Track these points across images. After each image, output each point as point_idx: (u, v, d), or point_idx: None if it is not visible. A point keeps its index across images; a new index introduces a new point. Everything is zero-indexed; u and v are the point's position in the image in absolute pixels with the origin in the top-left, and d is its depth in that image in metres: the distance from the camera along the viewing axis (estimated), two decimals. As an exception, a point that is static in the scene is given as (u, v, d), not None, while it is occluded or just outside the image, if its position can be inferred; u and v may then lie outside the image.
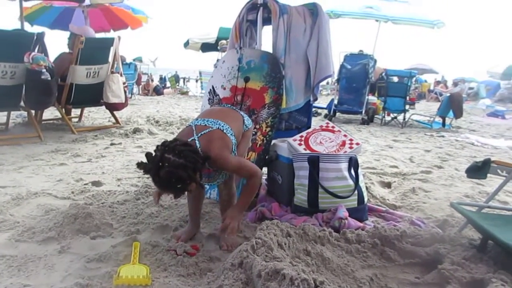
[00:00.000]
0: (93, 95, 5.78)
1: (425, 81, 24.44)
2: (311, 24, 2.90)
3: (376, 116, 8.75)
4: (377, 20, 8.83)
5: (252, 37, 3.17)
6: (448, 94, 8.83)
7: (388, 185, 3.57)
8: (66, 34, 5.89)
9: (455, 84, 19.77)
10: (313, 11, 2.93)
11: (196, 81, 16.54)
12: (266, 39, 3.04)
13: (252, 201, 2.79)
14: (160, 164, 1.74)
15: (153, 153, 1.81)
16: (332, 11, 8.64)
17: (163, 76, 20.60)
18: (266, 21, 3.03)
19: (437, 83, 23.67)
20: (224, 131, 2.05)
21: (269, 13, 2.94)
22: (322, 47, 2.88)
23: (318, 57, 2.88)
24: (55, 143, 4.76)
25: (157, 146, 1.82)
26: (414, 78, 13.62)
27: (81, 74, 5.48)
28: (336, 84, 9.32)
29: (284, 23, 2.87)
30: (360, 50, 8.88)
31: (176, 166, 1.73)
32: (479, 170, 2.49)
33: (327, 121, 2.82)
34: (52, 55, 5.44)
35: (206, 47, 14.86)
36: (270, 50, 2.95)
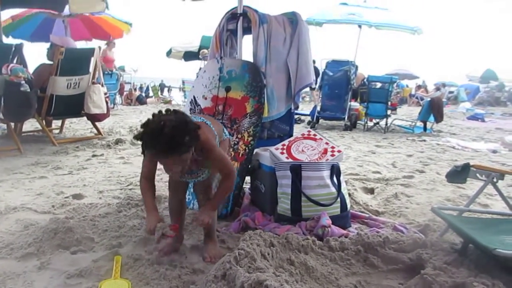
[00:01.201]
0: (74, 106, 5.71)
1: (407, 86, 24.77)
2: (291, 33, 2.92)
3: (358, 122, 8.83)
4: (359, 26, 8.95)
5: (232, 46, 3.18)
6: (429, 99, 8.96)
7: (371, 191, 3.60)
8: (46, 45, 5.82)
9: (437, 88, 20.09)
10: (293, 20, 2.96)
11: (180, 89, 16.50)
12: (246, 48, 3.05)
13: (235, 210, 2.80)
14: (162, 123, 1.69)
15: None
16: (314, 19, 8.72)
17: (144, 85, 20.40)
18: (246, 30, 3.04)
19: (418, 87, 24.02)
20: (209, 125, 2.10)
21: (249, 22, 2.95)
22: (302, 55, 2.90)
23: (299, 66, 2.90)
24: (35, 156, 4.68)
25: (153, 114, 1.78)
26: (395, 84, 13.78)
27: (61, 85, 5.41)
28: (318, 91, 9.38)
29: (264, 32, 2.89)
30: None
31: (179, 120, 1.73)
32: (458, 174, 2.53)
33: (309, 129, 2.82)
34: (32, 66, 5.39)
35: (189, 55, 14.85)
36: (250, 59, 2.96)
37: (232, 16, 3.04)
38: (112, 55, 11.75)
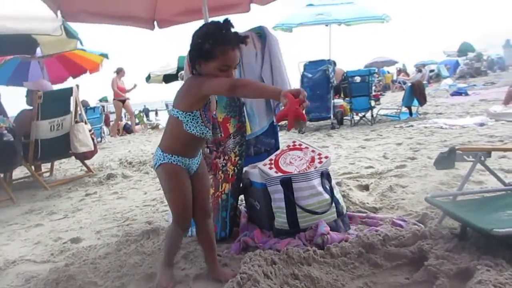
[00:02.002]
0: (60, 147, 5.69)
1: (388, 72, 25.00)
2: (261, 48, 2.94)
3: (345, 117, 8.87)
4: (326, 25, 9.05)
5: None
6: (410, 84, 9.05)
7: (366, 187, 3.62)
8: (23, 89, 5.80)
9: (419, 70, 20.30)
10: (261, 34, 2.98)
11: (168, 112, 16.46)
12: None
13: (234, 231, 2.80)
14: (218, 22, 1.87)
15: None
16: (283, 24, 8.79)
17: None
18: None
19: (399, 72, 24.26)
20: None
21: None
22: (275, 67, 2.92)
23: (274, 78, 2.91)
24: (29, 203, 4.65)
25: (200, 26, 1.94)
26: (376, 72, 13.89)
27: (44, 129, 5.39)
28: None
29: (235, 50, 2.90)
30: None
31: None
32: (446, 160, 2.57)
33: (293, 139, 2.83)
34: (13, 110, 5.37)
35: (168, 78, 14.89)
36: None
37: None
38: (122, 84, 11.91)
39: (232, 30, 1.86)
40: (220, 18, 1.90)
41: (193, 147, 2.02)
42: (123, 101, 12.05)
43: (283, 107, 1.55)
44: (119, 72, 11.93)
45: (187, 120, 1.90)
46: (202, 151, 2.17)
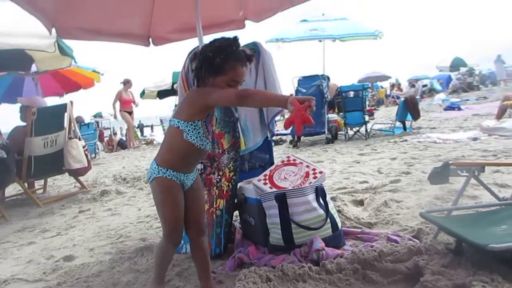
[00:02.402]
0: (54, 164, 5.65)
1: (381, 87, 25.20)
2: (255, 63, 2.95)
3: (339, 132, 8.90)
4: (320, 41, 9.13)
5: (200, 85, 3.19)
6: (403, 99, 9.12)
7: (360, 202, 3.61)
8: (17, 105, 5.79)
9: (412, 85, 20.48)
10: (255, 50, 2.99)
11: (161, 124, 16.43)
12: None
13: (229, 247, 2.78)
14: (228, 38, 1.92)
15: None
16: (277, 38, 8.87)
17: (120, 128, 20.35)
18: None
19: (392, 86, 24.46)
20: None
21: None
22: (269, 83, 2.93)
23: (268, 94, 2.92)
24: (21, 221, 4.59)
25: (212, 40, 1.98)
26: (369, 88, 14.01)
27: (38, 145, 5.36)
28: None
29: (229, 66, 2.92)
30: None
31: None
32: (440, 175, 2.57)
33: (287, 154, 2.83)
34: (7, 126, 5.35)
35: (163, 93, 14.90)
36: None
37: (195, 55, 3.06)
38: (129, 96, 11.78)
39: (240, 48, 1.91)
40: (215, 36, 1.94)
41: (190, 162, 2.00)
42: (130, 113, 11.82)
43: (289, 114, 1.63)
44: (126, 83, 11.71)
45: (188, 130, 1.90)
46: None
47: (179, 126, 1.92)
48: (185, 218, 2.04)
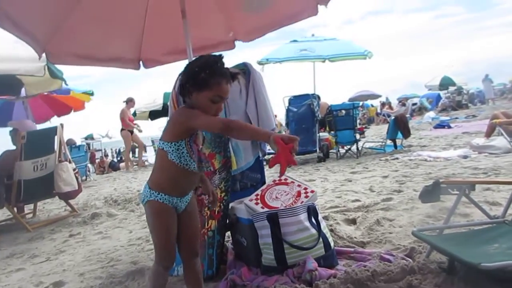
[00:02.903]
0: (44, 187, 5.58)
1: (371, 105, 25.44)
2: (245, 84, 2.98)
3: (331, 151, 8.93)
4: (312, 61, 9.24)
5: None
6: (393, 117, 9.20)
7: (353, 221, 3.60)
8: (6, 130, 5.77)
9: (402, 103, 20.72)
10: (245, 70, 3.02)
11: (153, 145, 16.40)
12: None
13: (221, 268, 2.75)
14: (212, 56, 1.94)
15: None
16: (267, 58, 8.96)
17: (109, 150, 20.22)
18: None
19: (383, 105, 24.72)
20: None
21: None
22: (260, 103, 2.95)
23: (259, 114, 2.94)
24: (10, 247, 4.51)
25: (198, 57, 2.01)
26: (360, 107, 14.13)
27: (28, 169, 5.30)
28: (286, 129, 9.48)
29: (219, 87, 2.93)
30: None
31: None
32: (431, 194, 2.58)
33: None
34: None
35: (154, 114, 14.90)
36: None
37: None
38: (130, 115, 11.69)
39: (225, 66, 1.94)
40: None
41: (180, 184, 1.97)
42: (132, 132, 11.53)
43: (274, 154, 1.65)
44: (129, 102, 11.51)
45: (172, 150, 1.89)
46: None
47: (163, 148, 1.92)
48: (178, 240, 2.02)
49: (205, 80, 1.86)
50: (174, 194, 1.95)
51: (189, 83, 1.90)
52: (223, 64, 1.92)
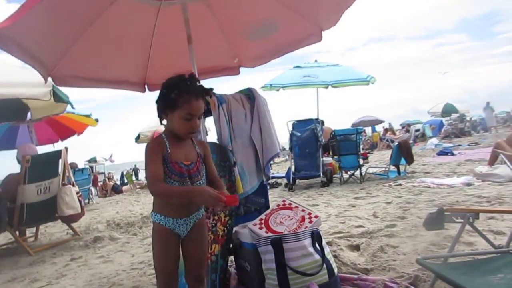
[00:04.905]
0: (46, 211, 5.57)
1: (375, 131, 25.50)
2: (250, 109, 3.02)
3: (334, 176, 8.92)
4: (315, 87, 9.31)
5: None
6: (397, 143, 9.21)
7: (357, 247, 3.57)
8: (12, 152, 5.80)
9: (406, 130, 20.77)
10: (250, 96, 3.06)
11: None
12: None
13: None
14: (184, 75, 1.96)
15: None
16: (271, 84, 9.04)
17: (111, 174, 20.22)
18: (206, 112, 3.11)
19: (386, 130, 24.77)
20: None
21: (208, 105, 3.03)
22: (264, 128, 2.98)
23: (263, 139, 2.97)
24: (11, 271, 4.47)
25: (169, 78, 2.00)
26: (363, 132, 14.17)
27: (31, 193, 5.30)
28: (290, 153, 9.50)
29: (224, 111, 2.97)
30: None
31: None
32: (435, 221, 2.56)
33: (283, 198, 2.83)
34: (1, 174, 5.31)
35: (158, 137, 14.93)
36: (215, 140, 3.01)
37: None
38: None
39: (197, 83, 1.97)
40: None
41: (170, 205, 1.97)
42: None
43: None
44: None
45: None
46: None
47: None
48: (184, 265, 2.04)
49: (174, 100, 1.90)
50: (170, 215, 1.96)
51: (161, 104, 1.96)
52: (193, 82, 1.95)
